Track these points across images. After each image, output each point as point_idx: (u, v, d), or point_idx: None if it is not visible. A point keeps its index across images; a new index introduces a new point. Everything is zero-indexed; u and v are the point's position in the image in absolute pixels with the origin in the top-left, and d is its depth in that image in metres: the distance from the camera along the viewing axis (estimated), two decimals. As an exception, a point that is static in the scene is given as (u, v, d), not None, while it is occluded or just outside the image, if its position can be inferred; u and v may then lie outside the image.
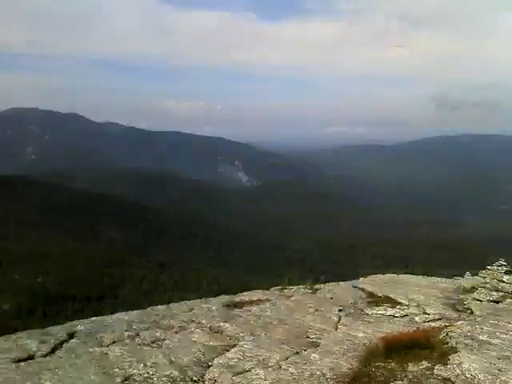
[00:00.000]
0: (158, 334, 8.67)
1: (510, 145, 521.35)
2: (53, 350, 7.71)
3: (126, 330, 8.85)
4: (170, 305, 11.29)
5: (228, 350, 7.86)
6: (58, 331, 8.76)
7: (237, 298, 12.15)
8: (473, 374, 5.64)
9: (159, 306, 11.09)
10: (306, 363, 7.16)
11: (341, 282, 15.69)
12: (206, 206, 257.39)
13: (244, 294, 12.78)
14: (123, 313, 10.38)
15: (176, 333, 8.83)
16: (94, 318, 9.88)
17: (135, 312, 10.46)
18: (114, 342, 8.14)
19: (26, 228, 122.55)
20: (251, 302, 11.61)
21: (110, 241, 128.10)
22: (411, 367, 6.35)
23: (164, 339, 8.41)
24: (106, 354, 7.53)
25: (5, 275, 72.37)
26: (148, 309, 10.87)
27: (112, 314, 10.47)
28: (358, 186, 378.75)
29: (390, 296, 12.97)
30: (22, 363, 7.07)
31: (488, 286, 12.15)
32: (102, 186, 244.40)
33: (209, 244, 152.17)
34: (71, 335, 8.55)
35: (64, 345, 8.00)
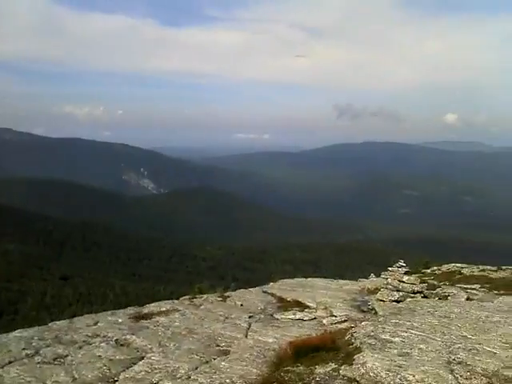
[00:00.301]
0: (59, 351, 8.22)
1: (406, 152, 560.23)
2: None
3: (24, 349, 8.29)
4: (74, 319, 10.77)
5: (135, 363, 7.61)
6: None
7: (145, 310, 11.86)
8: (375, 372, 5.86)
9: (62, 321, 10.54)
10: (215, 372, 7.09)
11: (251, 289, 15.82)
12: (110, 214, 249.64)
13: (152, 304, 12.50)
14: (22, 330, 9.72)
15: (80, 348, 8.43)
16: (-13, 338, 9.16)
17: (35, 328, 9.85)
18: (10, 362, 7.58)
19: None
20: (160, 313, 11.37)
21: (7, 253, 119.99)
22: (318, 369, 6.49)
23: (66, 355, 7.98)
24: (1, 375, 7.00)
25: None
26: (49, 324, 10.28)
27: (10, 331, 9.77)
28: (267, 193, 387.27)
29: (299, 300, 13.27)
30: None
31: (390, 286, 12.78)
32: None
33: (115, 254, 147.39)
34: (-39, 357, 7.88)
35: (-48, 369, 7.35)
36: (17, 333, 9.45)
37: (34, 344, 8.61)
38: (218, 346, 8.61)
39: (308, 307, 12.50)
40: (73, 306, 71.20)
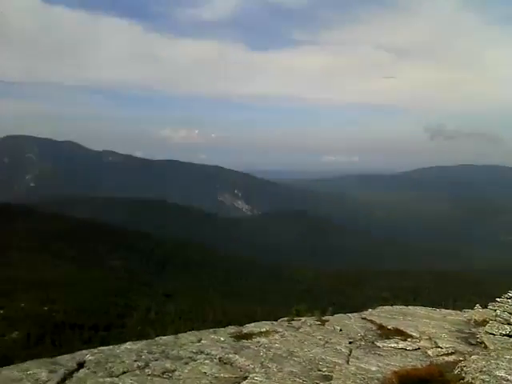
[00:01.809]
0: (167, 365, 8.58)
1: (507, 175, 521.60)
2: (63, 380, 7.65)
3: (136, 361, 8.77)
4: (179, 335, 11.20)
5: (239, 383, 7.77)
6: (68, 361, 8.69)
7: (245, 329, 12.05)
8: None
9: (167, 337, 11.01)
10: (319, 397, 7.05)
11: (349, 314, 15.54)
12: (207, 234, 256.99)
13: (252, 324, 12.68)
14: (131, 343, 10.28)
15: (186, 364, 8.74)
16: (102, 348, 9.77)
17: (144, 342, 10.37)
18: (124, 373, 8.06)
19: (28, 255, 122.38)
20: (260, 334, 11.51)
21: (114, 269, 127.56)
22: (427, 402, 6.26)
23: (174, 370, 8.32)
24: (117, 384, 7.46)
25: (11, 303, 71.88)
26: (156, 339, 10.78)
27: (120, 343, 10.37)
28: (358, 216, 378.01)
29: (401, 328, 12.81)
30: (33, 393, 7.01)
31: (499, 318, 11.99)
32: (101, 213, 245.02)
33: (213, 273, 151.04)
34: (81, 365, 8.49)
35: (74, 374, 7.94)
36: (127, 345, 10.00)
37: (143, 357, 9.05)
38: (319, 370, 8.56)
39: (411, 336, 12.03)
40: (175, 322, 73.55)
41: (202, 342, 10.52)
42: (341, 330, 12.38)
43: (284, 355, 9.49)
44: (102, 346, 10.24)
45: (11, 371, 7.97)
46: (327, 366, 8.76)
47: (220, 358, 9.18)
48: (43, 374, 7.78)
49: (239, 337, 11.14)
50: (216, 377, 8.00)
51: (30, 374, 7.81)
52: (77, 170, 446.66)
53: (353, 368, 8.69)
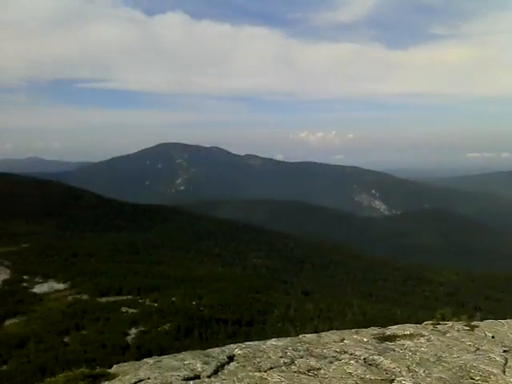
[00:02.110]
0: (312, 363, 8.68)
1: None
2: (215, 372, 8.14)
3: (281, 357, 8.99)
4: (322, 333, 11.29)
5: (386, 385, 7.68)
6: (218, 353, 9.22)
7: (388, 331, 11.78)
8: None
9: (310, 335, 11.14)
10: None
11: (502, 320, 14.46)
12: (345, 234, 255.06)
13: (395, 327, 12.35)
14: (277, 339, 10.59)
15: (330, 363, 8.78)
16: (249, 343, 10.18)
17: (288, 339, 10.62)
18: (271, 368, 8.32)
19: (178, 254, 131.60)
20: (404, 336, 11.19)
21: (256, 267, 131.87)
22: None
23: (319, 368, 8.40)
24: (266, 379, 7.72)
25: (164, 297, 77.88)
26: (300, 336, 10.98)
27: (262, 339, 10.76)
28: (506, 215, 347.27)
29: None
30: (191, 382, 7.59)
31: None
32: (244, 214, 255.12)
33: (350, 273, 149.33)
34: (231, 358, 8.96)
35: (225, 367, 8.42)
36: (273, 341, 10.31)
37: (288, 354, 9.27)
38: (471, 378, 8.10)
39: None
40: (314, 320, 74.11)
41: (345, 341, 10.50)
42: (493, 337, 11.58)
43: (431, 360, 9.13)
44: (246, 340, 10.70)
45: (170, 360, 8.71)
46: (480, 375, 8.26)
47: (364, 358, 9.08)
48: (198, 365, 8.36)
49: (382, 338, 10.93)
50: (362, 378, 7.96)
51: (186, 363, 8.45)
52: (222, 173, 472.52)
53: (511, 379, 8.11)
